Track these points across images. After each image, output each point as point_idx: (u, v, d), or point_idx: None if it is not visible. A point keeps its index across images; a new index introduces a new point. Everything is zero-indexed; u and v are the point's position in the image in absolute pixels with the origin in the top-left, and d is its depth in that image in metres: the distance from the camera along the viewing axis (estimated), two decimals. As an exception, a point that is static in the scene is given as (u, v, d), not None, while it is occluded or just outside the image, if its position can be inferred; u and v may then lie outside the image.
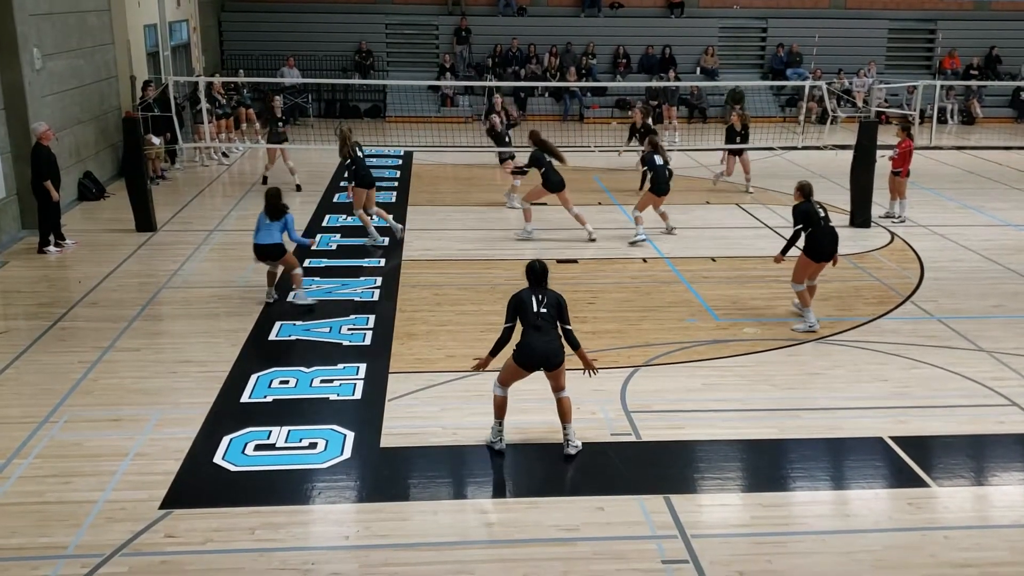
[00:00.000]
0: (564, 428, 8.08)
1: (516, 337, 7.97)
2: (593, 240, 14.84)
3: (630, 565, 6.60)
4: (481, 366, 8.12)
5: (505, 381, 8.10)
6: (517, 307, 7.94)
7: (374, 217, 14.92)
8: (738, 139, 18.47)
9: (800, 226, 10.91)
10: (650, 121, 19.44)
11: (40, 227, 14.06)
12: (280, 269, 11.78)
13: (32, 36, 15.01)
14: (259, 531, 6.95)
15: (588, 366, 8.11)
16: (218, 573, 6.48)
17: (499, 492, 7.67)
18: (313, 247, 13.03)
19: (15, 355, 10.20)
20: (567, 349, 8.00)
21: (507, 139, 19.40)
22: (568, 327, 7.99)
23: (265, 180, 18.46)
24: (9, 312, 11.81)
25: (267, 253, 11.54)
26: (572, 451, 8.05)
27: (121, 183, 17.29)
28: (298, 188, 18.28)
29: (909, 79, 27.21)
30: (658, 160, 14.83)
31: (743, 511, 7.41)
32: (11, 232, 14.60)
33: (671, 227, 15.36)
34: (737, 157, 18.64)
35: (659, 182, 14.74)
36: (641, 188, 16.76)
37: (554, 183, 14.89)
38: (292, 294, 11.63)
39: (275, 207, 11.51)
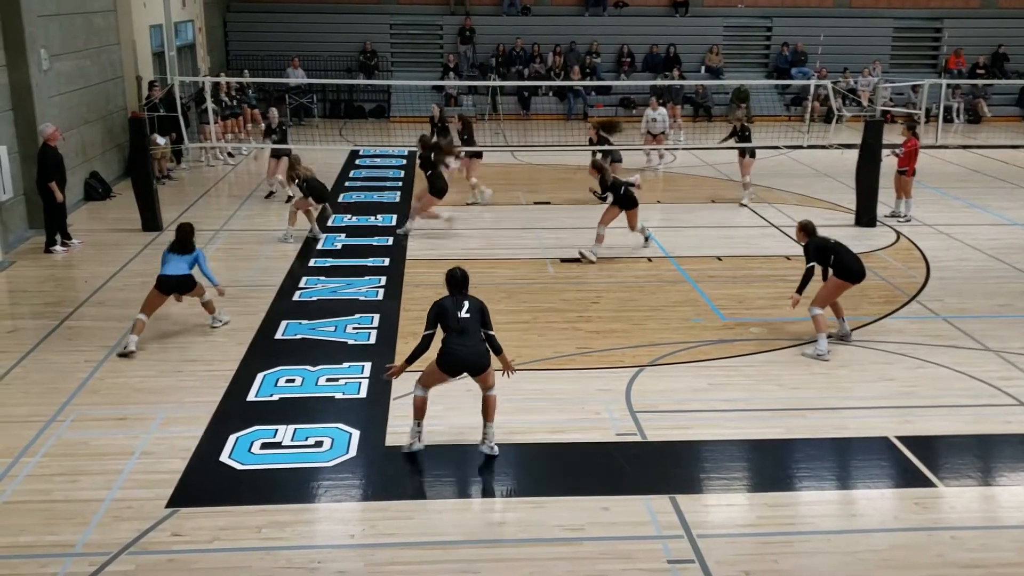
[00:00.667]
0: (485, 426, 8.04)
1: (437, 344, 7.94)
2: (402, 233, 15.07)
3: (636, 565, 6.60)
4: (395, 373, 8.14)
5: (427, 384, 8.07)
6: (439, 315, 7.90)
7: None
8: (735, 140, 17.79)
9: (813, 264, 10.37)
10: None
11: (46, 227, 14.10)
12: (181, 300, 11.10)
13: (39, 37, 15.05)
14: (265, 529, 6.97)
15: (507, 367, 8.09)
16: (225, 571, 6.50)
17: (504, 491, 7.66)
18: (222, 294, 11.06)
19: (22, 354, 10.23)
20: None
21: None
22: (491, 332, 7.96)
23: (271, 194, 17.87)
24: (16, 311, 11.84)
25: (175, 285, 10.65)
26: (487, 451, 8.01)
27: (127, 183, 17.31)
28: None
29: (915, 78, 27.11)
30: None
31: (749, 511, 7.41)
32: (18, 232, 14.64)
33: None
34: (739, 158, 17.92)
35: (629, 197, 13.91)
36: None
37: (439, 189, 14.88)
38: (211, 319, 11.01)
39: (183, 242, 10.76)
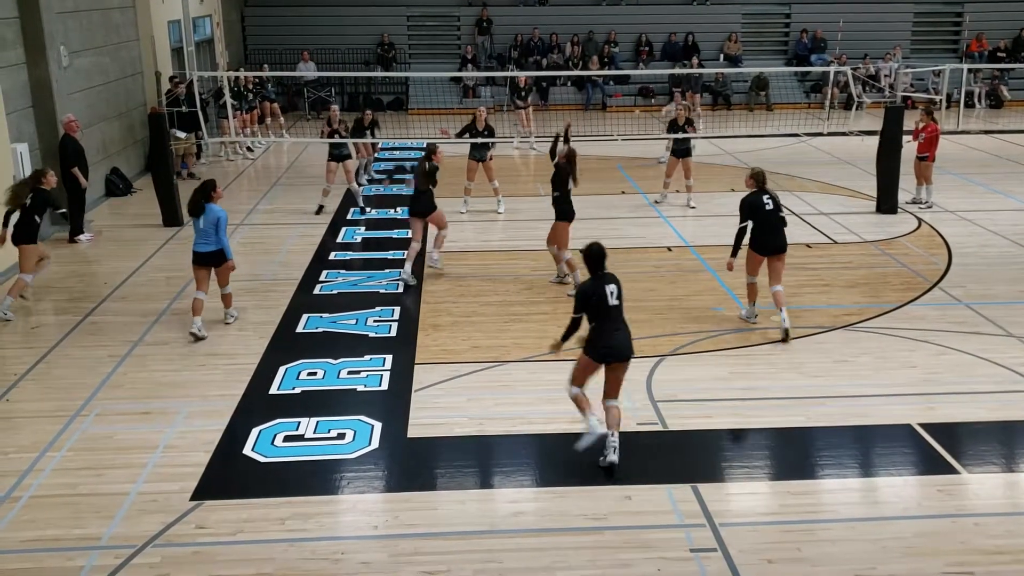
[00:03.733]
0: (610, 435, 7.67)
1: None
2: None
3: (658, 554, 6.61)
4: (556, 348, 7.97)
5: (578, 382, 7.77)
6: (589, 301, 7.59)
7: None
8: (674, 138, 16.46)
9: (746, 224, 10.39)
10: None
11: (70, 216, 14.26)
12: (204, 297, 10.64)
13: (59, 34, 15.14)
14: (289, 521, 7.01)
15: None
16: (249, 563, 6.55)
17: (526, 481, 7.67)
18: (233, 270, 10.75)
19: (46, 350, 10.32)
20: None
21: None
22: None
23: (320, 209, 16.20)
24: (40, 307, 11.94)
25: (205, 259, 10.52)
26: (611, 460, 7.62)
27: (148, 179, 17.41)
28: (362, 210, 16.25)
29: (935, 63, 26.94)
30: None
31: (771, 499, 7.40)
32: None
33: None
34: (679, 159, 16.38)
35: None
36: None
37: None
38: (226, 314, 10.95)
39: (192, 201, 10.48)
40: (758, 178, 10.52)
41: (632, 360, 7.49)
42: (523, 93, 22.27)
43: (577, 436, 8.06)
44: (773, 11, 30.17)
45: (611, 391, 7.76)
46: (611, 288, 7.65)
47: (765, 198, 10.37)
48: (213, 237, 10.43)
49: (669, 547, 6.68)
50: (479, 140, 16.08)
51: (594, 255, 7.76)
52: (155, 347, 10.38)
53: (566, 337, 7.77)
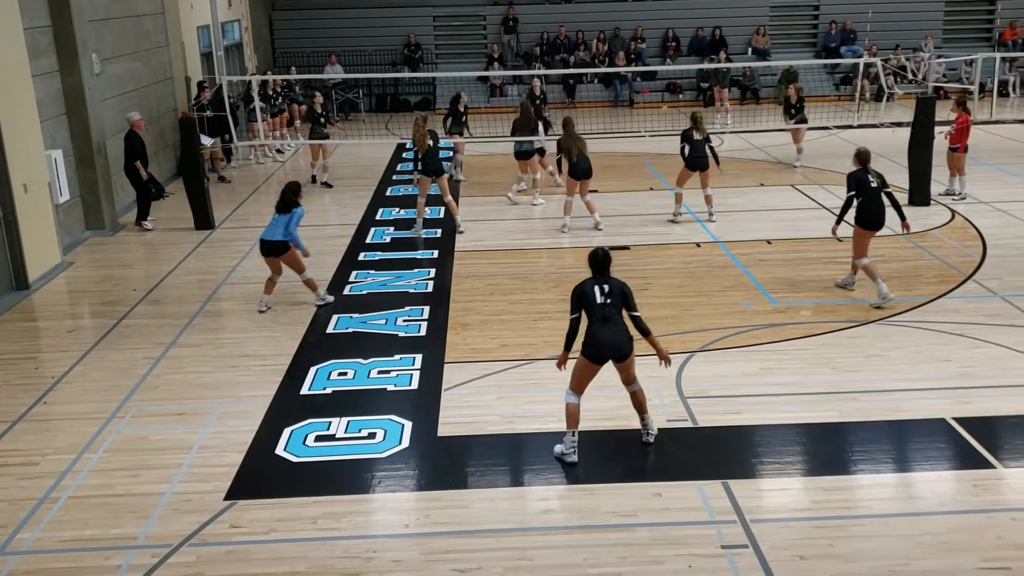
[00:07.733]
0: (642, 419, 8.01)
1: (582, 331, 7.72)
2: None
3: (689, 550, 6.59)
4: (561, 363, 7.92)
5: (577, 387, 7.80)
6: (581, 298, 7.68)
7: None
8: (793, 111, 19.20)
9: (852, 193, 11.17)
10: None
11: (138, 203, 15.76)
12: (277, 279, 11.61)
13: (91, 41, 15.32)
14: (321, 520, 7.07)
15: (660, 355, 7.87)
16: (282, 562, 6.60)
17: (556, 479, 7.68)
18: (307, 256, 11.56)
19: (82, 353, 10.47)
20: (636, 337, 7.75)
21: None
22: (636, 313, 7.77)
23: (314, 179, 18.82)
24: (76, 311, 12.11)
25: (268, 249, 11.30)
26: (649, 439, 8.02)
27: (180, 182, 17.57)
28: (326, 185, 18.69)
29: (968, 52, 26.58)
30: (696, 135, 14.86)
31: (803, 495, 7.35)
32: (75, 234, 14.95)
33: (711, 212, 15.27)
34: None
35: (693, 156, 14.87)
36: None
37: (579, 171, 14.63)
38: (315, 296, 11.70)
39: (283, 201, 11.30)
40: (862, 156, 11.37)
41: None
42: (538, 101, 22.04)
43: (611, 432, 8.08)
44: (801, 3, 29.90)
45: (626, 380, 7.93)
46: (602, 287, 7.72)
47: (870, 176, 11.16)
48: (281, 229, 11.17)
49: (700, 544, 6.66)
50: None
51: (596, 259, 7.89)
52: (188, 349, 10.49)
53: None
